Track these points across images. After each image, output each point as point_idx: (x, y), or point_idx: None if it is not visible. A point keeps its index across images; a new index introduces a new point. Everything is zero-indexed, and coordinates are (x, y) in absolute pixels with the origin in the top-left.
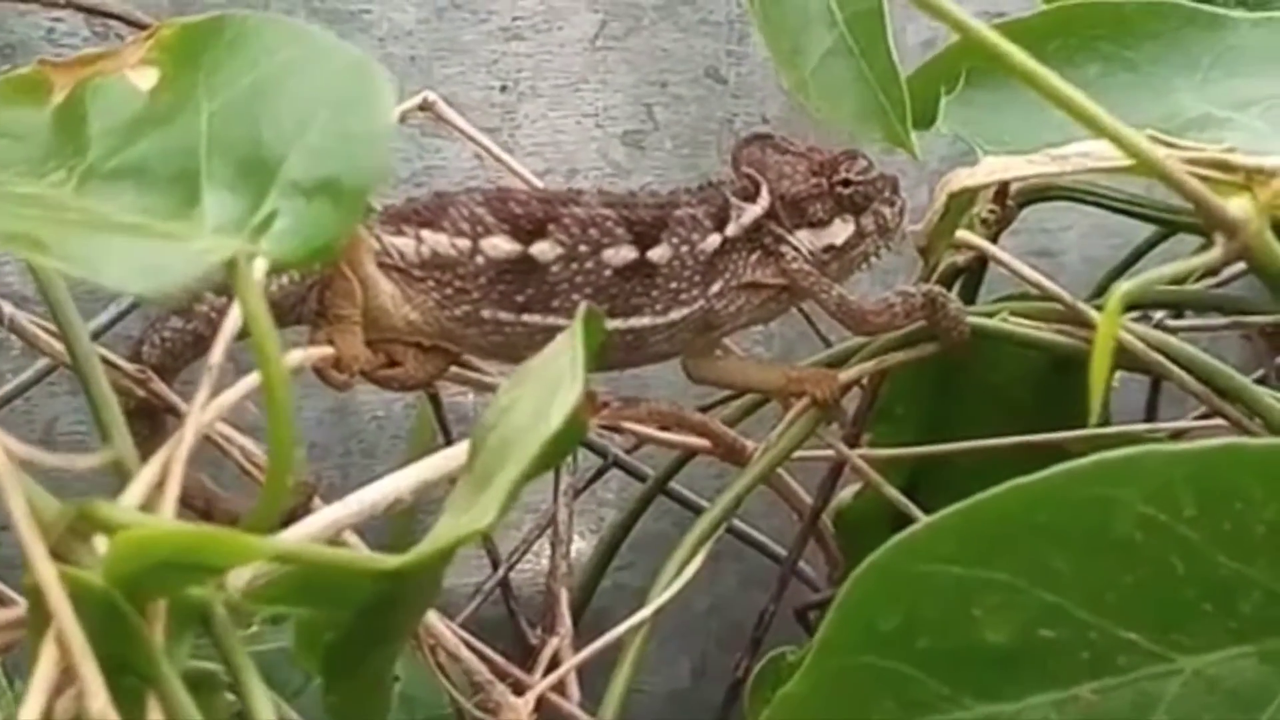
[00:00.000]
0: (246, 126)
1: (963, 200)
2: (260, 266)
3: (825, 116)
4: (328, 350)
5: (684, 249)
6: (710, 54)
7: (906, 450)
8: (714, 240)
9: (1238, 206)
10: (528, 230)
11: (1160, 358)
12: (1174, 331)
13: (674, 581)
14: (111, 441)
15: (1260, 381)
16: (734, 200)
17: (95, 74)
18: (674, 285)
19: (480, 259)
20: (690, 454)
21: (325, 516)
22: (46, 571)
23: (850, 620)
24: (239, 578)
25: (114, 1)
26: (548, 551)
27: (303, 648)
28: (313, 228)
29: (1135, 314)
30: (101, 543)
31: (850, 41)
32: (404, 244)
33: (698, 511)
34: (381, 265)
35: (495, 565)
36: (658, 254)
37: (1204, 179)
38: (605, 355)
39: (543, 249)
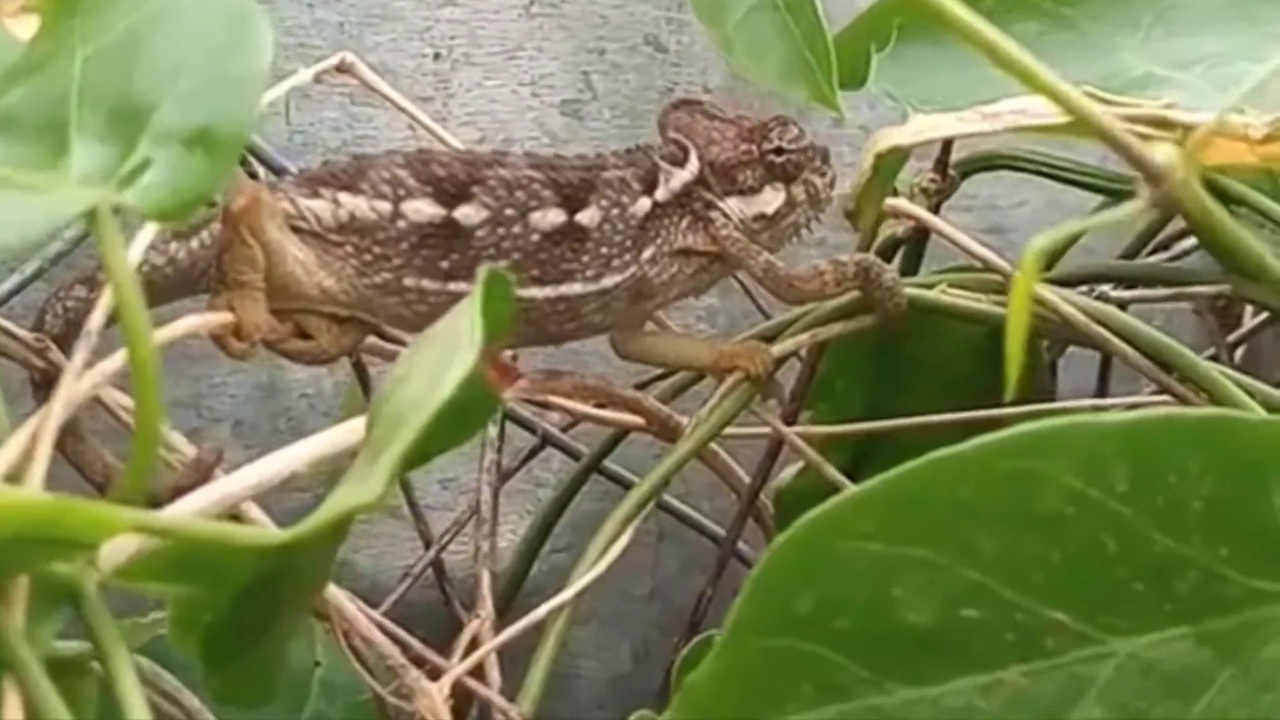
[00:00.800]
0: (119, 74)
1: (892, 162)
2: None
3: (750, 74)
4: (226, 317)
5: (614, 212)
6: (650, 21)
7: (844, 428)
8: (644, 204)
9: (1163, 154)
10: (451, 193)
11: (1103, 331)
12: (1122, 305)
13: (599, 561)
14: None
15: (1212, 359)
16: (663, 165)
17: None
18: (605, 250)
19: (402, 223)
20: (624, 432)
21: (216, 490)
22: None
23: (766, 600)
24: (116, 554)
25: None
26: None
27: (180, 628)
28: (184, 178)
29: (1083, 289)
30: None
31: None
32: (320, 207)
33: (628, 486)
34: (296, 230)
35: (428, 546)
36: (587, 217)
37: (1142, 136)
38: (537, 327)
39: (467, 212)
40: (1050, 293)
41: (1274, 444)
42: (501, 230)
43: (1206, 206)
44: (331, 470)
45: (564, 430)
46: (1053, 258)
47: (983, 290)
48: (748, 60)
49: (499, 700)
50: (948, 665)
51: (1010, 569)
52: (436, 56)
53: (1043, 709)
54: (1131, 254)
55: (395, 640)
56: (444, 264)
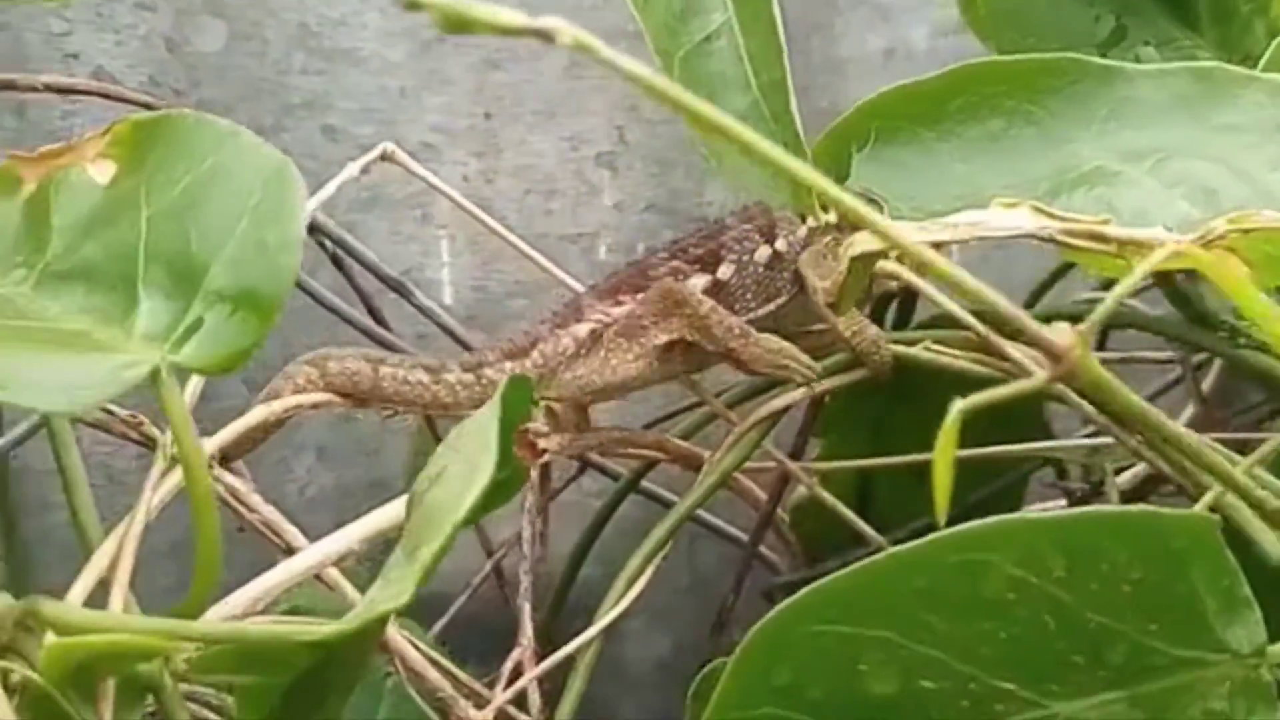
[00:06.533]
0: (178, 233)
1: (867, 261)
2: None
3: (737, 181)
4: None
5: (791, 239)
6: None
7: (843, 464)
8: (802, 230)
9: (1060, 333)
10: (712, 263)
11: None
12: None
13: (624, 597)
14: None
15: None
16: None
17: (60, 167)
18: (793, 268)
19: None
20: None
21: (281, 572)
22: None
23: (747, 676)
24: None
25: (88, 81)
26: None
27: (247, 712)
28: (231, 337)
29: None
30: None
31: (764, 108)
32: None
33: (665, 504)
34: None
35: (489, 555)
36: (780, 245)
37: (1079, 249)
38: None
39: (725, 270)
40: (1018, 352)
41: (1191, 534)
42: (744, 273)
43: (1102, 382)
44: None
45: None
46: (1034, 297)
47: (962, 348)
48: (739, 169)
49: None
50: None
51: (962, 645)
52: (487, 116)
53: None
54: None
55: (446, 672)
56: None
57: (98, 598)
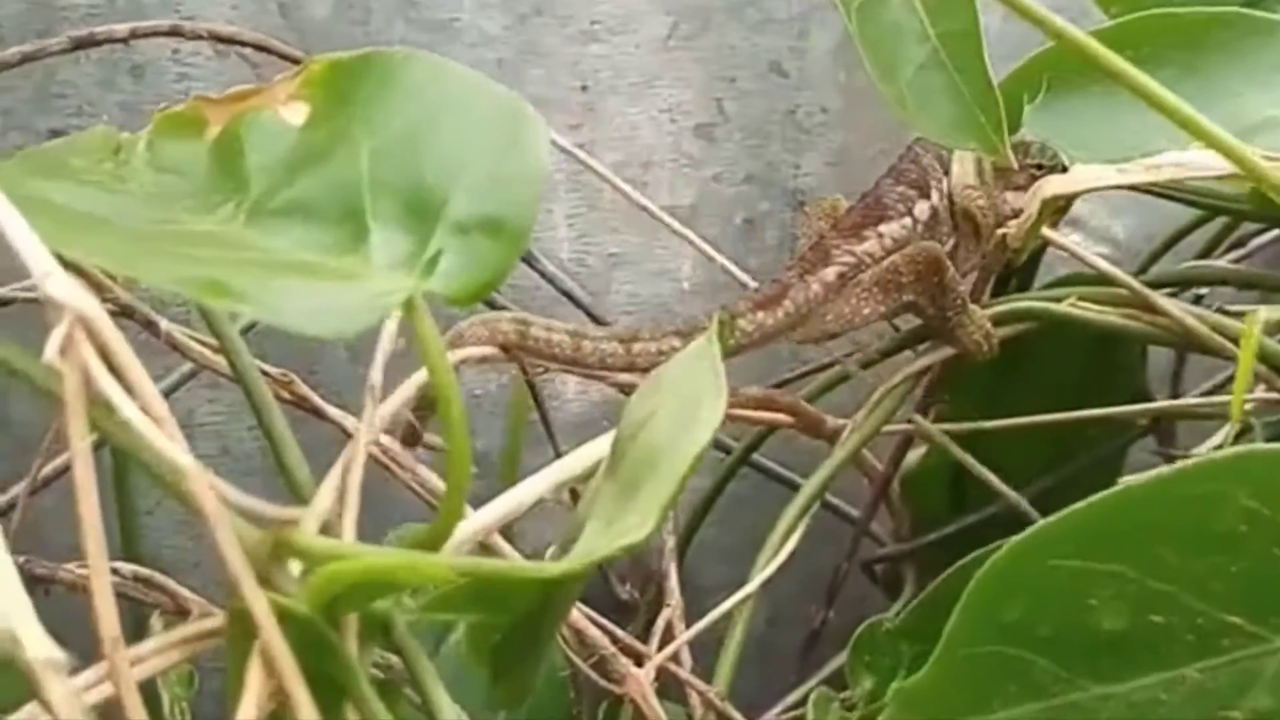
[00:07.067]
0: (407, 166)
1: (1053, 203)
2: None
3: (921, 127)
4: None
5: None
6: (774, 50)
7: (967, 425)
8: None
9: None
10: (926, 189)
11: (1225, 341)
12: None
13: (775, 558)
14: (280, 449)
15: None
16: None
17: (248, 109)
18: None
19: (919, 225)
20: (772, 428)
21: (476, 520)
22: (259, 602)
23: (975, 614)
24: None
25: (247, 32)
26: None
27: (473, 649)
28: (479, 266)
29: (1167, 290)
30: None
31: (944, 56)
32: (866, 246)
33: (775, 478)
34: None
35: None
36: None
37: None
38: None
39: (935, 197)
40: (1175, 307)
41: None
42: (943, 204)
43: None
44: None
45: None
46: (1149, 260)
47: (1109, 304)
48: (919, 114)
49: (698, 683)
50: (1136, 664)
51: (1193, 579)
52: (584, 88)
53: (1217, 701)
54: (1206, 252)
55: (604, 630)
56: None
57: None
